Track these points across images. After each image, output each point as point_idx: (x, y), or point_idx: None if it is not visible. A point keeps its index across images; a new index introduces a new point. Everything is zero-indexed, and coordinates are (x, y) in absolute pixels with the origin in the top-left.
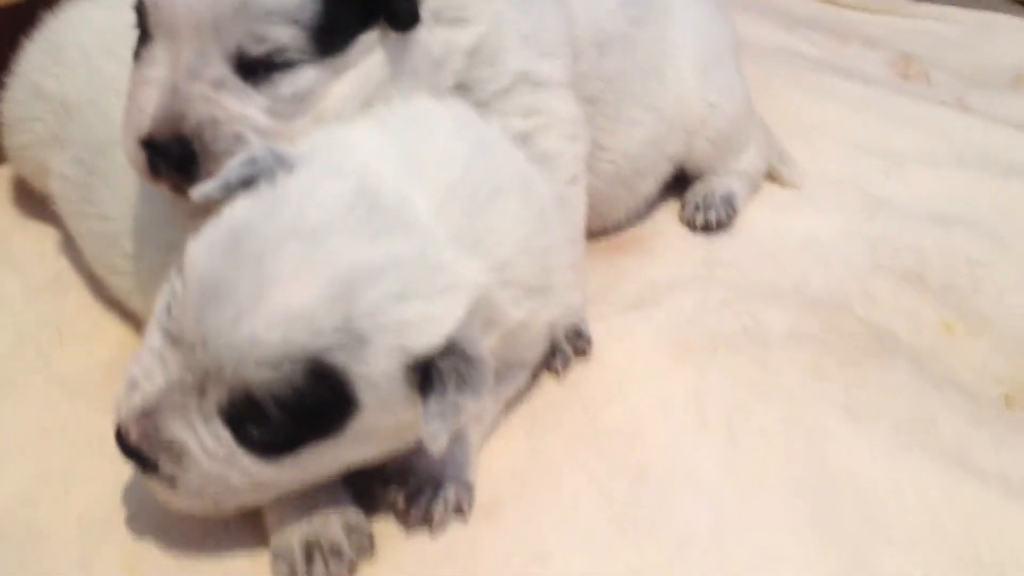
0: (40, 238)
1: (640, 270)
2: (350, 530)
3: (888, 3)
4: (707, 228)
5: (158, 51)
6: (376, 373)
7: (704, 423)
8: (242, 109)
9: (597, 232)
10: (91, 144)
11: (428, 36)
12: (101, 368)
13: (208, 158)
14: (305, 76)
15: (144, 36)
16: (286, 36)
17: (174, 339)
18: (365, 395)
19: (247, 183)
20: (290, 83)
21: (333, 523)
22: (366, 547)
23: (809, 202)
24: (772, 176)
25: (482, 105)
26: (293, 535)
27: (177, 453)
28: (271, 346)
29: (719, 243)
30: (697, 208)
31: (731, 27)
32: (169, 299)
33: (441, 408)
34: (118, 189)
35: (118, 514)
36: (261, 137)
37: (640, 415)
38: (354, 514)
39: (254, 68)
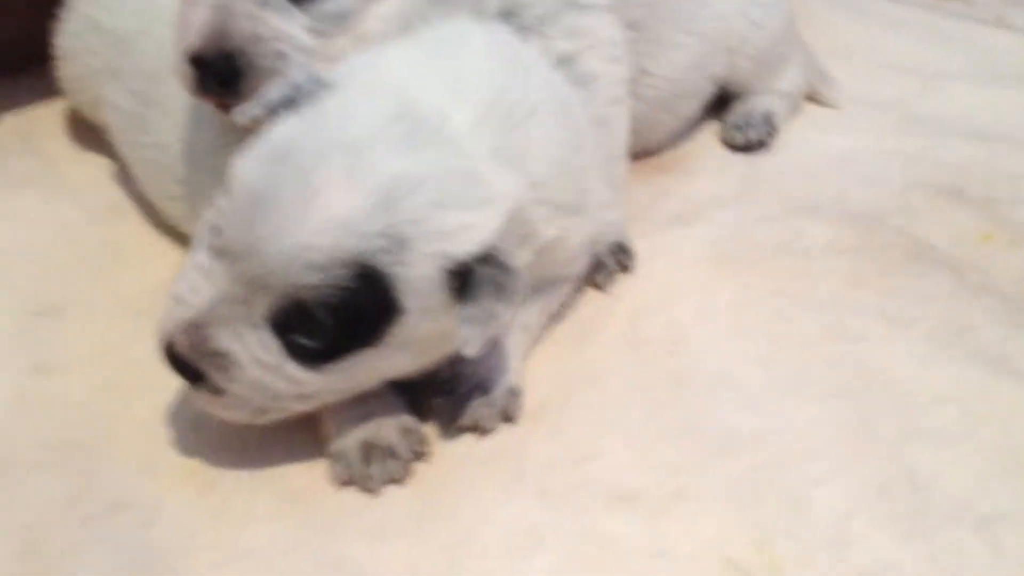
0: (96, 168)
1: (680, 189)
2: (405, 432)
3: None
4: (747, 147)
5: None
6: (417, 277)
7: (744, 331)
8: (285, 27)
9: (639, 153)
10: (145, 74)
11: None
12: (157, 289)
13: (252, 74)
14: None
15: None
16: None
17: (221, 253)
18: (407, 299)
19: (289, 104)
20: (332, 3)
21: (389, 426)
22: (420, 448)
23: (848, 121)
24: (812, 96)
25: (525, 29)
26: (351, 438)
27: (225, 364)
28: (319, 251)
29: (759, 161)
30: (737, 127)
31: None
32: (215, 218)
33: (476, 314)
34: (172, 117)
35: (178, 423)
36: (303, 55)
37: (681, 324)
38: (408, 419)
39: None
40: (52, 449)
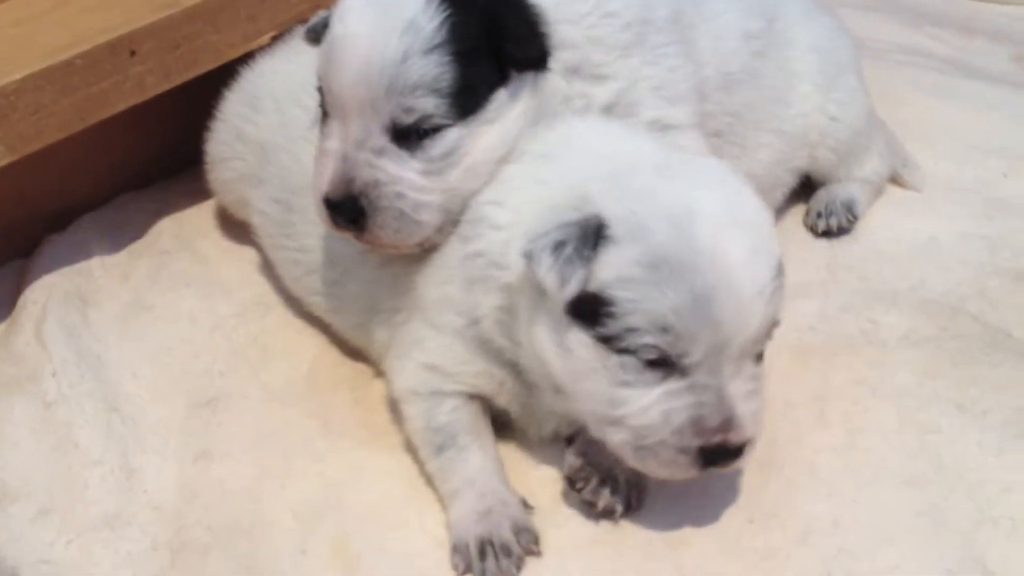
0: (245, 263)
1: None
2: (518, 531)
3: None
4: (828, 233)
5: (334, 127)
6: None
7: (825, 422)
8: (399, 171)
9: None
10: (287, 186)
11: (567, 88)
12: (304, 379)
13: (374, 212)
14: (450, 137)
15: (324, 114)
16: (430, 105)
17: None
18: None
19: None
20: (438, 145)
21: (504, 524)
22: (532, 547)
23: (930, 205)
24: (895, 180)
25: None
26: (469, 533)
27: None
28: None
29: (841, 247)
30: (819, 215)
31: (850, 39)
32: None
33: None
34: (315, 226)
35: (328, 505)
36: (418, 192)
37: (766, 416)
38: (522, 515)
39: (407, 135)
40: (218, 533)
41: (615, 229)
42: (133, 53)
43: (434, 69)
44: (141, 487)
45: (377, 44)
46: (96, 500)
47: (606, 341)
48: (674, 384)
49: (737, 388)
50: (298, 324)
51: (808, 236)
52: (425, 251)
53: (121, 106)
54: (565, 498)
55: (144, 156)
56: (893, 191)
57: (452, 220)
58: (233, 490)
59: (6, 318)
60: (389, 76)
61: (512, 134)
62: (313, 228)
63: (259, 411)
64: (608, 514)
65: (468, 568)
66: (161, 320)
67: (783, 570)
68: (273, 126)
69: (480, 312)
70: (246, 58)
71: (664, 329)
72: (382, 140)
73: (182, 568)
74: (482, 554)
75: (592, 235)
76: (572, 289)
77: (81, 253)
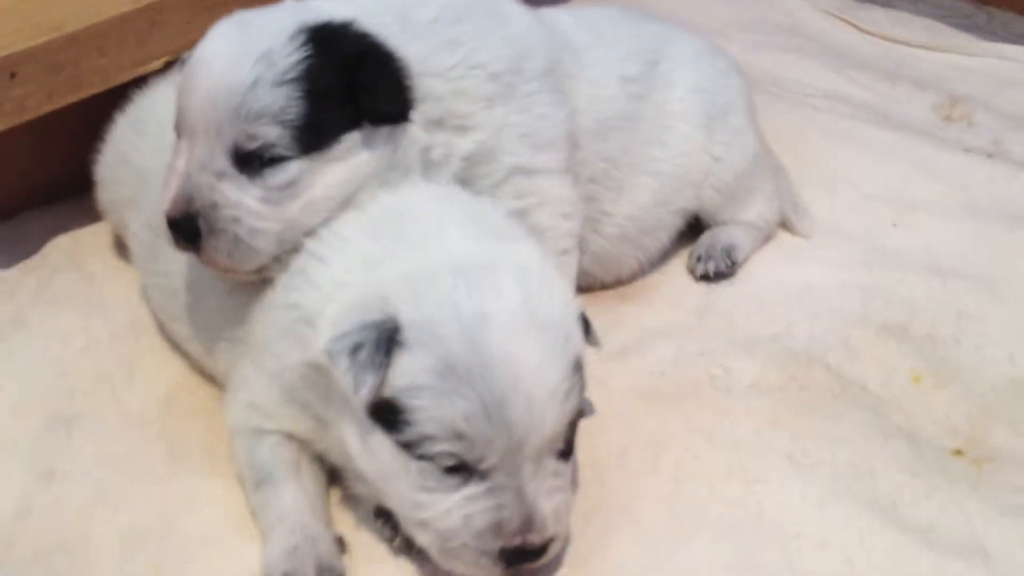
0: (128, 286)
1: (636, 318)
2: (322, 569)
3: (949, 42)
4: (706, 277)
5: (182, 146)
6: None
7: (655, 468)
8: (238, 196)
9: (610, 284)
10: (158, 211)
11: (427, 139)
12: (160, 403)
13: (210, 234)
14: (291, 169)
15: (177, 133)
16: (273, 135)
17: None
18: None
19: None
20: (279, 175)
21: (308, 562)
22: None
23: (815, 252)
24: (786, 225)
25: (478, 191)
26: (276, 568)
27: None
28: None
29: (717, 292)
30: (699, 259)
31: (740, 80)
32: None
33: None
34: (179, 255)
35: (156, 530)
36: (255, 219)
37: (600, 459)
38: (328, 553)
39: (250, 161)
40: (41, 553)
41: (408, 335)
42: (13, 75)
43: (282, 101)
44: None
45: (230, 69)
46: None
47: (406, 447)
48: (474, 488)
49: (538, 487)
50: (166, 348)
51: (689, 280)
52: (265, 283)
53: (1, 127)
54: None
55: (48, 174)
56: (783, 236)
57: (290, 252)
58: (67, 509)
59: None
60: (236, 101)
61: (358, 177)
62: (174, 254)
63: (111, 433)
64: (408, 548)
65: None
66: (35, 337)
67: None
68: (154, 151)
69: (287, 361)
70: (139, 82)
71: (458, 436)
72: (224, 163)
73: None
74: None
75: (385, 340)
76: (365, 395)
77: None
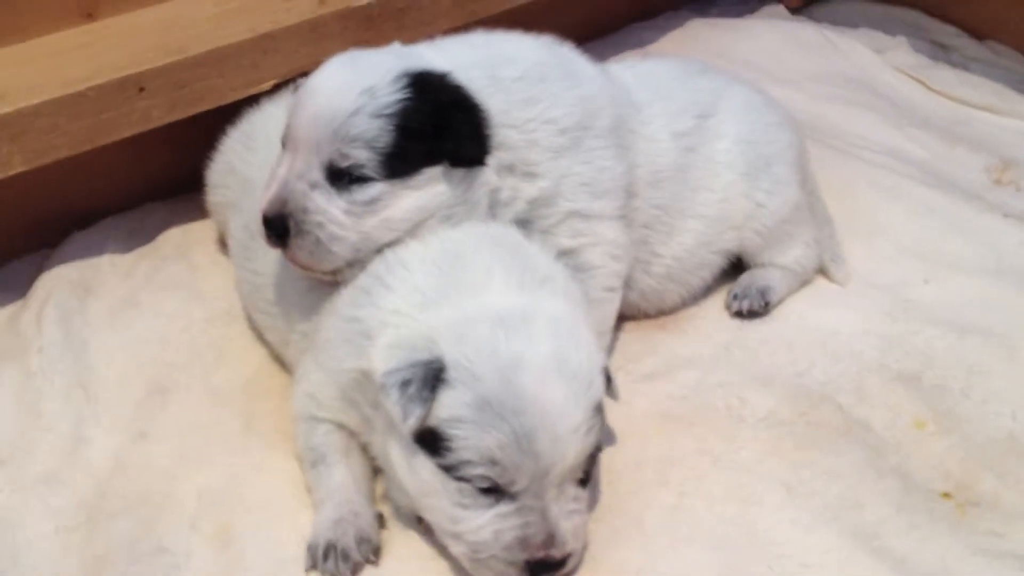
0: (227, 276)
1: (668, 346)
2: (361, 540)
3: (1013, 107)
4: (740, 314)
5: (286, 158)
6: None
7: (663, 482)
8: (326, 205)
9: (654, 314)
10: (256, 213)
11: (498, 182)
12: (243, 384)
13: (297, 234)
14: (374, 189)
15: (283, 145)
16: (363, 157)
17: None
18: None
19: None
20: (364, 193)
21: (349, 533)
22: (371, 555)
23: (847, 299)
24: (823, 272)
25: (536, 231)
26: (321, 536)
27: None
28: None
29: (748, 328)
30: (736, 296)
31: (789, 136)
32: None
33: None
34: (268, 254)
35: (228, 492)
36: (337, 227)
37: (615, 470)
38: (368, 527)
39: (340, 177)
40: (130, 502)
41: (452, 374)
42: (141, 89)
43: (375, 130)
44: (85, 455)
45: (336, 95)
46: (42, 461)
47: (446, 469)
48: (504, 507)
49: (560, 509)
50: (252, 337)
51: (724, 315)
52: (338, 284)
53: (127, 133)
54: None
55: (172, 172)
56: (819, 282)
57: (363, 261)
58: (155, 468)
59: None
60: (336, 124)
61: (431, 207)
62: (267, 256)
63: (198, 405)
64: None
65: (313, 566)
66: (145, 316)
67: None
68: (259, 164)
69: (344, 366)
70: (251, 100)
71: (492, 462)
72: (318, 176)
73: (91, 525)
74: (325, 556)
75: (432, 378)
76: (412, 424)
77: (95, 250)
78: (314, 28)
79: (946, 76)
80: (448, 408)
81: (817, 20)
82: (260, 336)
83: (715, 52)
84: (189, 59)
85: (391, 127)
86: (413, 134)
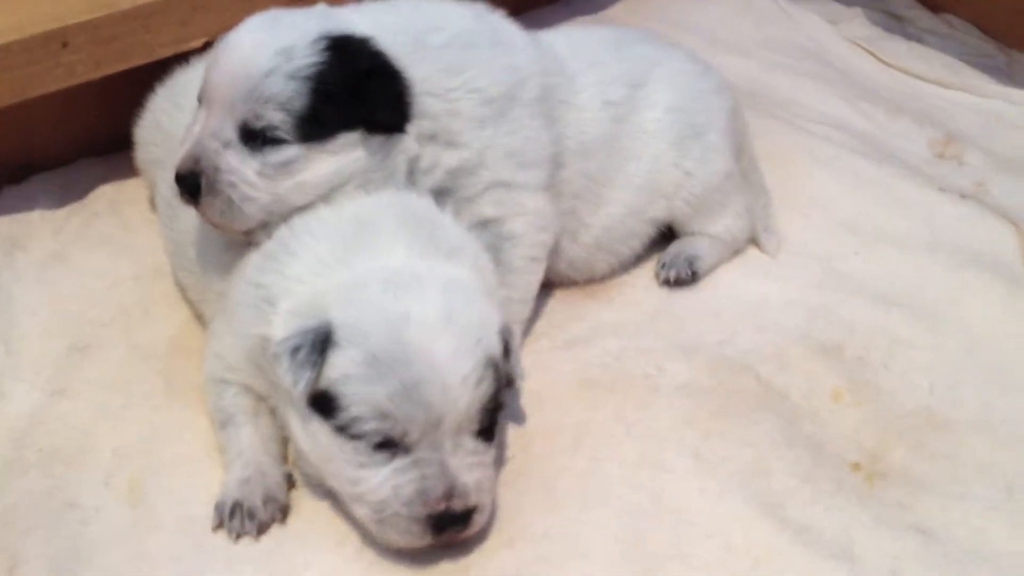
0: (157, 235)
1: (594, 314)
2: (267, 500)
3: (962, 80)
4: (668, 283)
5: (201, 113)
6: None
7: (577, 447)
8: (238, 165)
9: (583, 283)
10: None
11: (418, 150)
12: (166, 341)
13: (208, 192)
14: (288, 152)
15: (199, 102)
16: (277, 119)
17: None
18: None
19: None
20: (277, 155)
21: (256, 492)
22: (277, 514)
23: (777, 270)
24: (755, 242)
25: (458, 199)
26: (228, 495)
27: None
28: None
29: (676, 297)
30: (664, 265)
31: (722, 103)
32: None
33: None
34: (191, 212)
35: (143, 449)
36: (249, 188)
37: (530, 433)
38: (276, 487)
39: (254, 137)
40: (45, 455)
41: (340, 334)
42: (65, 44)
43: (290, 92)
44: (2, 408)
45: (252, 55)
46: None
47: (340, 430)
48: (400, 462)
49: (459, 461)
50: (178, 295)
51: (653, 283)
52: (252, 245)
53: (52, 87)
54: None
55: (106, 129)
56: (751, 252)
57: (276, 223)
58: (72, 424)
59: None
60: (251, 84)
61: (346, 172)
62: (188, 213)
63: (120, 362)
64: None
65: (220, 524)
66: (73, 271)
67: (482, 568)
68: (184, 121)
69: (249, 330)
70: (182, 58)
71: (383, 415)
72: (232, 135)
73: (4, 478)
74: (232, 514)
75: (321, 342)
76: (302, 388)
77: (26, 204)
78: None
79: (898, 48)
80: (337, 368)
81: None
82: (185, 294)
83: (668, 20)
84: (116, 14)
85: (307, 90)
86: (329, 98)
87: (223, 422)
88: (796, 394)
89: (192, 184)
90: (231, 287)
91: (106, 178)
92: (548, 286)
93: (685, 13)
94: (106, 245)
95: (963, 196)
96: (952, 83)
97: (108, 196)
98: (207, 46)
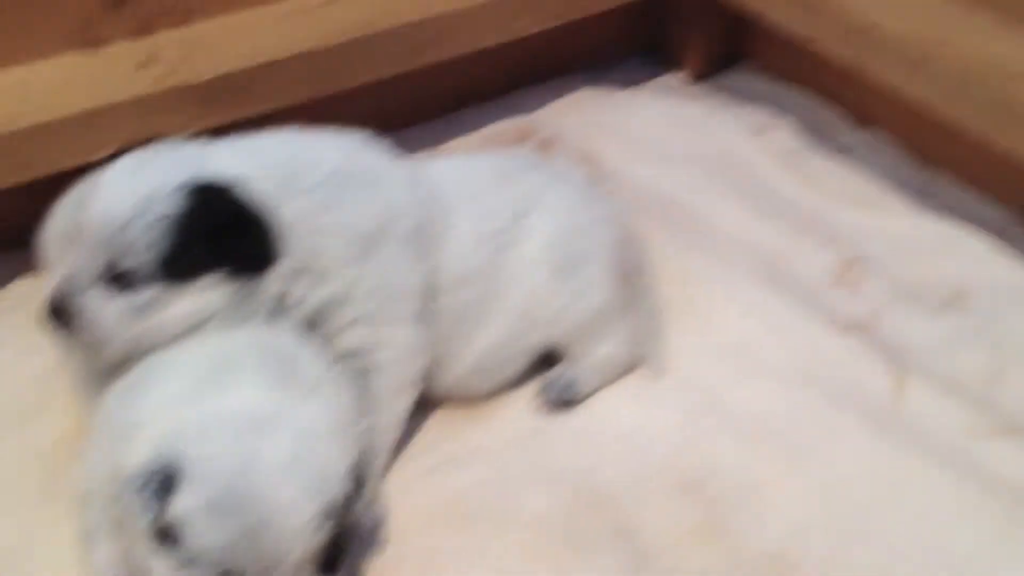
0: None
1: (468, 435)
2: None
3: (878, 203)
4: (548, 405)
5: (73, 251)
6: None
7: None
8: (99, 306)
9: (463, 404)
10: None
11: (284, 287)
12: (53, 443)
13: (73, 328)
14: (149, 293)
15: (70, 239)
16: (137, 263)
17: None
18: None
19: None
20: (137, 297)
21: None
22: None
23: (658, 396)
24: (639, 366)
25: (325, 333)
26: None
27: None
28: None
29: (552, 422)
30: (543, 388)
31: (604, 237)
32: None
33: None
34: None
35: (16, 554)
36: (112, 326)
37: (376, 563)
38: None
39: (119, 279)
40: None
41: (186, 474)
42: None
43: (152, 237)
44: None
45: (116, 201)
46: None
47: (182, 564)
48: None
49: None
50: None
51: (534, 403)
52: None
53: None
54: None
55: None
56: (636, 377)
57: (143, 353)
58: None
59: None
60: (113, 229)
61: (209, 311)
62: None
63: (3, 460)
64: None
65: None
66: None
67: None
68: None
69: (105, 456)
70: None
71: (220, 560)
72: (96, 276)
73: None
74: None
75: (167, 480)
76: (144, 525)
77: None
78: (147, 104)
79: (819, 165)
80: (179, 507)
81: (713, 92)
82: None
83: (598, 123)
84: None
85: (168, 235)
86: (191, 244)
87: (83, 539)
88: (650, 530)
89: (59, 319)
90: (98, 409)
91: (22, 272)
92: (428, 405)
93: (615, 119)
94: (13, 341)
95: (848, 328)
96: (866, 204)
97: (21, 291)
98: (113, 157)
